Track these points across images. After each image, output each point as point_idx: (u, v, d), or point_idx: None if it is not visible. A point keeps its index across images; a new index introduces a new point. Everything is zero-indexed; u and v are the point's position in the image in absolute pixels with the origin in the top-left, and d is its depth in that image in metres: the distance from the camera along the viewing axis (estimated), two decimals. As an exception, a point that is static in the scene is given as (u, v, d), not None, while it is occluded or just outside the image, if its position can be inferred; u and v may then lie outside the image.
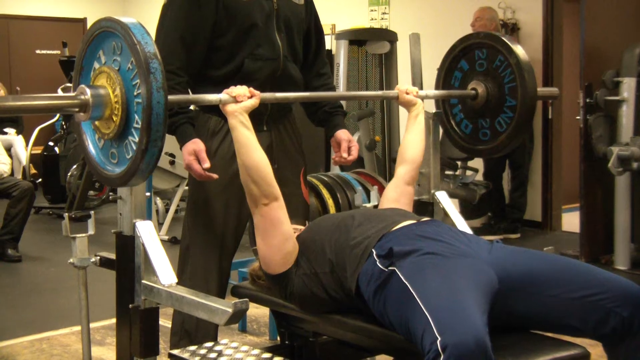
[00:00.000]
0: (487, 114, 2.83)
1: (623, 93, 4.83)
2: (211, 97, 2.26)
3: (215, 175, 2.48)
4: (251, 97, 2.25)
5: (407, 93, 2.63)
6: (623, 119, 4.82)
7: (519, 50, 2.71)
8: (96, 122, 1.97)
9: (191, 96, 2.35)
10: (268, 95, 2.36)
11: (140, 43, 1.81)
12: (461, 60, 2.90)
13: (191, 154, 2.48)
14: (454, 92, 2.89)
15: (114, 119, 1.89)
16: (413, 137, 2.60)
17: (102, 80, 1.92)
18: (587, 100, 4.92)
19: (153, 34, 2.58)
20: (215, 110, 2.62)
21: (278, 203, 2.24)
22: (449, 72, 2.95)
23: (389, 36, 6.51)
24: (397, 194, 2.51)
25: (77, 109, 1.91)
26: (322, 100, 2.84)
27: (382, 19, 7.87)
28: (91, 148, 2.05)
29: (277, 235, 2.23)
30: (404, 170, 2.56)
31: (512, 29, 6.71)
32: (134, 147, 1.86)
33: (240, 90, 2.24)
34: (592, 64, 5.01)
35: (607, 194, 4.95)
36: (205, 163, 2.46)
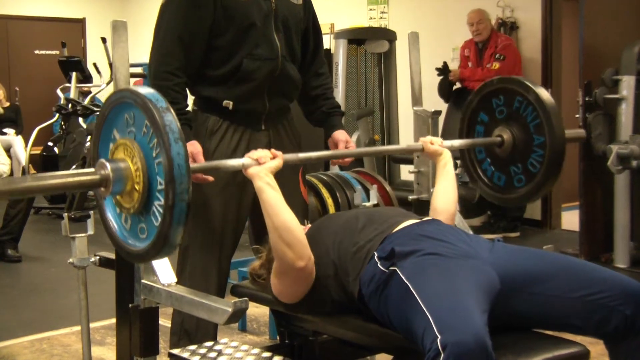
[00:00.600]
0: (517, 159, 2.71)
1: (622, 91, 4.83)
2: (233, 162, 2.18)
3: (210, 178, 2.48)
4: (274, 157, 2.17)
5: (432, 143, 2.57)
6: (622, 117, 4.83)
7: (537, 87, 2.63)
8: (118, 198, 1.91)
9: (214, 162, 2.24)
10: (291, 156, 2.28)
11: (152, 101, 1.78)
12: (480, 113, 2.81)
13: (189, 156, 2.47)
14: (479, 140, 2.79)
15: (137, 187, 1.83)
16: (444, 187, 2.52)
17: (120, 154, 1.88)
18: (587, 99, 4.92)
19: (151, 35, 2.60)
20: (214, 109, 2.63)
21: (313, 261, 2.15)
22: (470, 129, 2.84)
23: (388, 35, 6.52)
24: None
25: (97, 185, 1.85)
26: (324, 98, 2.84)
27: (381, 18, 7.87)
28: (115, 227, 1.96)
29: (307, 286, 2.19)
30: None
31: (511, 27, 6.72)
32: (161, 211, 1.78)
33: (262, 152, 2.17)
34: (591, 62, 5.01)
35: (607, 193, 4.95)
36: None
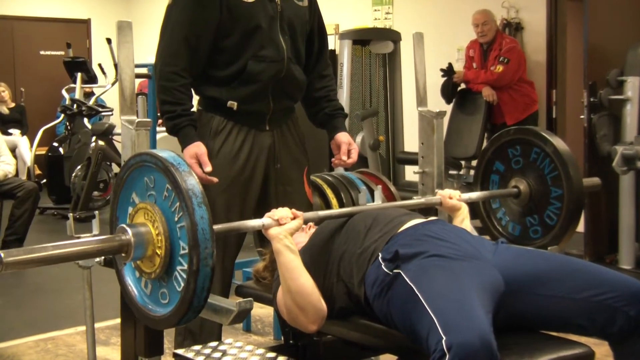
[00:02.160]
0: (534, 210, 2.70)
1: (627, 92, 4.83)
2: (254, 223, 2.12)
3: (215, 179, 2.48)
4: (294, 218, 2.14)
5: (451, 198, 2.55)
6: (627, 118, 4.82)
7: (554, 138, 2.62)
8: (138, 263, 1.88)
9: (234, 224, 2.16)
10: (311, 214, 2.25)
11: (174, 165, 1.76)
12: (495, 163, 2.80)
13: (193, 157, 2.48)
14: (496, 192, 2.78)
15: (158, 252, 1.81)
16: None
17: (140, 219, 1.86)
18: (591, 100, 4.92)
19: (157, 35, 2.60)
20: (218, 109, 2.63)
21: (324, 319, 2.12)
22: (485, 178, 2.84)
23: (393, 36, 6.52)
24: None
25: (118, 252, 1.83)
26: (327, 100, 2.84)
27: (386, 18, 7.87)
28: (135, 292, 1.94)
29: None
30: None
31: (516, 28, 6.71)
32: (184, 276, 1.75)
33: (282, 212, 2.13)
34: (596, 63, 5.01)
35: (612, 194, 4.94)
36: (206, 167, 2.47)
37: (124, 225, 1.83)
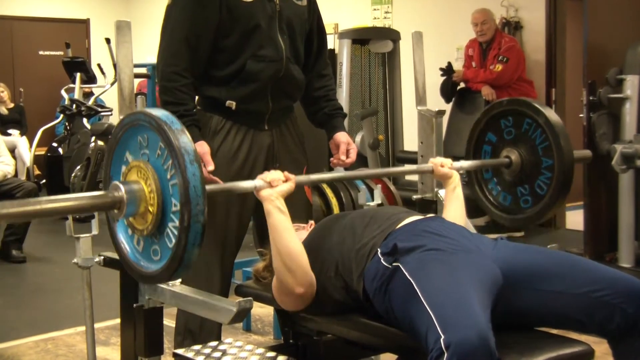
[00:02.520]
0: (524, 180, 2.73)
1: (626, 90, 4.83)
2: (246, 185, 2.16)
3: (219, 181, 2.48)
4: (286, 180, 2.16)
5: (442, 166, 2.57)
6: (626, 116, 4.82)
7: (546, 109, 2.64)
8: (131, 219, 1.90)
9: (227, 185, 2.22)
10: (303, 177, 2.27)
11: (167, 123, 1.77)
12: (487, 133, 2.82)
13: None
14: (488, 161, 2.80)
15: (151, 209, 1.83)
16: (455, 213, 2.51)
17: (133, 176, 1.87)
18: (591, 98, 4.92)
19: (156, 35, 2.60)
20: (217, 109, 2.63)
21: (313, 290, 2.16)
22: (477, 148, 2.85)
23: (392, 35, 6.52)
24: None
25: (111, 207, 1.84)
26: (326, 99, 2.84)
27: (385, 17, 7.87)
28: (127, 249, 1.96)
29: (306, 303, 2.19)
30: None
31: (515, 27, 6.71)
32: (176, 232, 1.78)
33: (275, 175, 2.15)
34: (595, 62, 5.01)
35: (611, 192, 4.95)
36: (209, 166, 2.47)
37: (117, 182, 1.85)
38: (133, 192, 1.83)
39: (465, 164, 2.71)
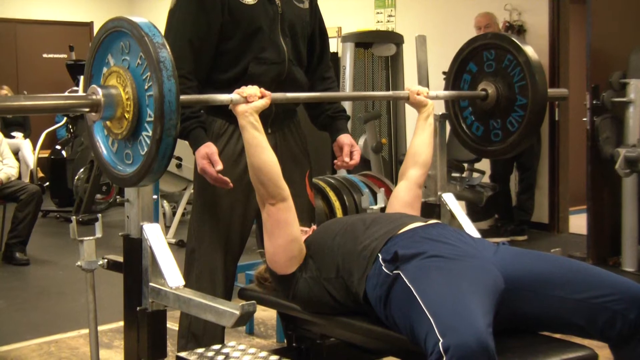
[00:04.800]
0: (498, 114, 2.83)
1: (630, 94, 4.82)
2: (222, 97, 2.26)
3: (231, 184, 2.47)
4: (262, 97, 2.26)
5: (418, 94, 2.64)
6: (630, 120, 4.81)
7: (527, 48, 2.73)
8: (107, 123, 1.98)
9: (202, 96, 2.35)
10: (279, 95, 2.38)
11: (148, 35, 1.85)
12: (469, 63, 2.91)
13: (204, 157, 2.47)
14: (464, 93, 2.90)
15: (127, 116, 1.90)
16: (424, 139, 2.61)
17: (112, 81, 1.94)
18: (594, 102, 4.91)
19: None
20: (220, 112, 2.63)
21: (285, 204, 2.24)
22: (457, 75, 2.95)
23: (395, 38, 6.52)
24: (410, 198, 2.51)
25: (88, 109, 1.92)
26: (329, 102, 2.84)
27: (388, 21, 7.88)
28: (103, 149, 2.06)
29: (283, 236, 2.23)
30: (416, 173, 2.55)
31: (518, 31, 6.71)
32: (148, 142, 1.86)
33: (251, 90, 2.26)
34: (599, 66, 5.00)
35: (614, 196, 4.94)
36: (217, 165, 2.46)
37: (95, 86, 1.93)
38: (111, 97, 1.91)
39: (441, 93, 2.84)
